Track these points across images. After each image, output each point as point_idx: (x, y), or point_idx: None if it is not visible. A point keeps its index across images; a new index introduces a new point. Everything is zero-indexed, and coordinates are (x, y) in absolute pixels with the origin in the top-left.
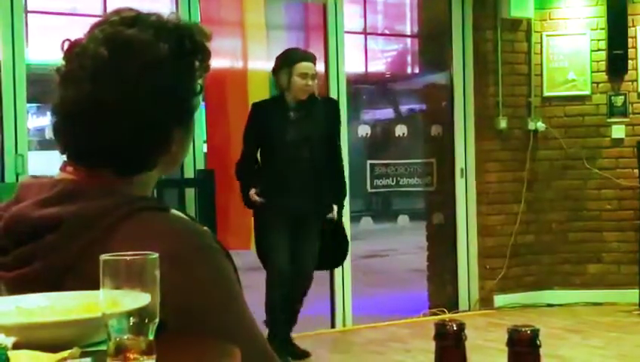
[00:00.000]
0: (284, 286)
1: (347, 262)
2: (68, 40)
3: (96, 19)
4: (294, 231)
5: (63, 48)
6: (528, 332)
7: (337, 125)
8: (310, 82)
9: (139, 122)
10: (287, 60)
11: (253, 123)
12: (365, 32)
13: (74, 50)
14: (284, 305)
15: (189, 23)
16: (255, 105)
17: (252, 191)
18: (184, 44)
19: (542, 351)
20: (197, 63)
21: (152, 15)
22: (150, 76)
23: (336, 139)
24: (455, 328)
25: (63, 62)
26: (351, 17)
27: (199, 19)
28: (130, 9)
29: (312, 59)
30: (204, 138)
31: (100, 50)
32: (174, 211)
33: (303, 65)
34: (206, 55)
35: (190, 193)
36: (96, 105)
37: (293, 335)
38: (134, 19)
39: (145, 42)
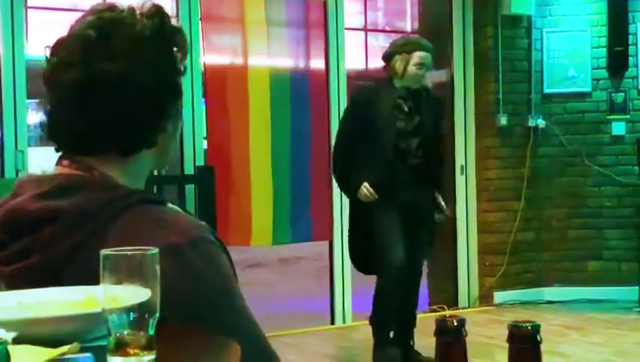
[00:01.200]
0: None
1: (347, 259)
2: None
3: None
4: (406, 225)
5: (46, 50)
6: (529, 328)
7: (441, 123)
8: (425, 73)
9: (135, 97)
10: (406, 47)
11: (356, 109)
12: (366, 29)
13: (60, 43)
14: (401, 307)
15: (163, 8)
16: (359, 87)
17: (365, 186)
18: (164, 24)
19: (542, 347)
20: (175, 47)
21: (128, 5)
22: (139, 50)
23: (441, 130)
24: (456, 324)
25: (49, 59)
26: (351, 14)
27: (199, 16)
28: (107, 2)
29: (431, 50)
30: (204, 134)
31: (87, 32)
32: (171, 205)
33: (422, 55)
34: (183, 38)
35: (190, 189)
36: (92, 84)
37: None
38: (113, 6)
39: (128, 20)
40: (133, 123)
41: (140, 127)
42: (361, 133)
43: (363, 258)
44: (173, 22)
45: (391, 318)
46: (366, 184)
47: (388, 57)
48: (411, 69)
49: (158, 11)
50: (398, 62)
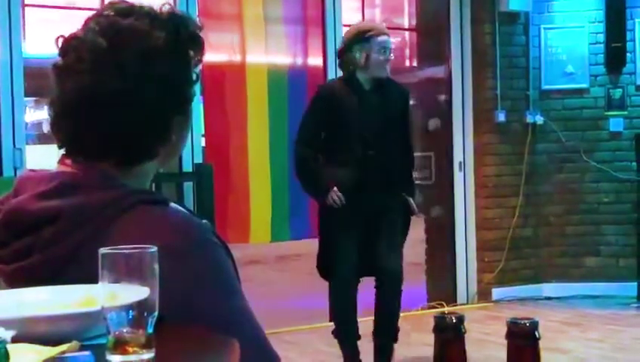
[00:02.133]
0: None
1: None
2: (62, 36)
3: (92, 13)
4: (368, 230)
5: (57, 44)
6: (527, 324)
7: (409, 114)
8: (389, 57)
9: (139, 111)
10: (361, 35)
11: (318, 108)
12: None
13: (70, 44)
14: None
15: (181, 13)
16: (322, 87)
17: (333, 190)
18: (180, 33)
19: (540, 343)
20: (192, 53)
21: (145, 6)
22: (149, 64)
23: (409, 127)
24: (454, 320)
25: (59, 57)
26: (349, 10)
27: (197, 13)
28: (124, 1)
29: (388, 33)
30: (202, 132)
31: (99, 41)
32: (173, 204)
33: (382, 39)
34: (200, 45)
35: (188, 187)
36: (97, 96)
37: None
38: (129, 9)
39: (142, 31)
40: (136, 136)
41: (142, 139)
42: (324, 128)
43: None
44: (192, 24)
45: (351, 328)
46: (335, 189)
47: (346, 50)
48: (374, 56)
49: (174, 19)
50: (357, 53)
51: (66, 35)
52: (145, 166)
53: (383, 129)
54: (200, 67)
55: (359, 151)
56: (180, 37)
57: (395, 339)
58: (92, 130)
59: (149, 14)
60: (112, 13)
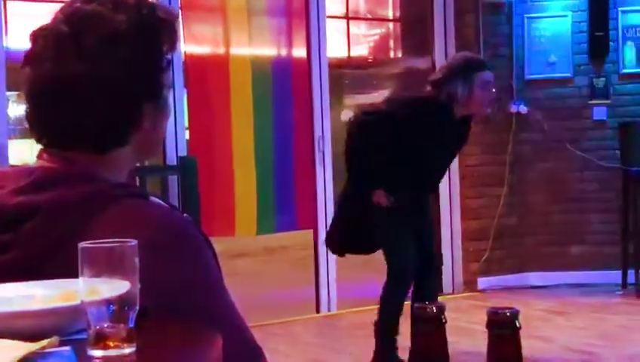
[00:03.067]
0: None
1: None
2: (34, 30)
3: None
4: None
5: (29, 37)
6: (507, 314)
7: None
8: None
9: (104, 96)
10: (468, 69)
11: (407, 123)
12: (347, 17)
13: (37, 35)
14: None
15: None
16: (422, 102)
17: (381, 193)
18: (144, 17)
19: (525, 332)
20: (160, 38)
21: None
22: (112, 48)
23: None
24: (434, 311)
25: (29, 49)
26: (333, 2)
27: (179, 5)
28: None
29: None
30: (186, 124)
31: (61, 28)
32: (154, 198)
33: (488, 76)
34: (171, 30)
35: (173, 180)
36: (59, 83)
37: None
38: None
39: (104, 15)
40: (101, 123)
41: (108, 126)
42: (396, 148)
43: (343, 242)
44: (161, 10)
45: (396, 323)
46: (382, 192)
47: (445, 81)
48: (478, 92)
49: (137, 4)
50: (460, 88)
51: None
52: (118, 154)
53: (450, 159)
54: (172, 54)
55: (420, 177)
56: (145, 21)
57: None
58: (59, 117)
59: (114, 0)
60: (78, 3)
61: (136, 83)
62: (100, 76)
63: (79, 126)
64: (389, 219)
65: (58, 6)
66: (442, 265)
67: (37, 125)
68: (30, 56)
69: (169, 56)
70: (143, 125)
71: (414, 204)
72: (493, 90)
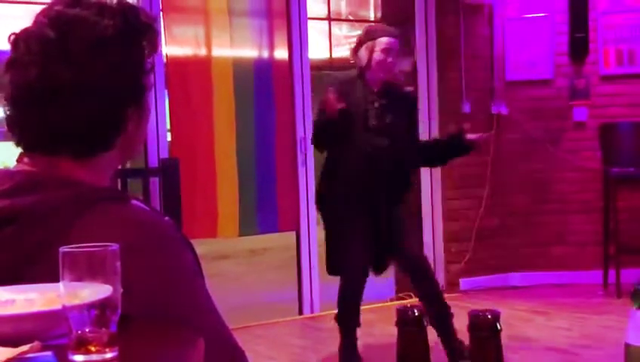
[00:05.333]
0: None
1: (314, 248)
2: (14, 33)
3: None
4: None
5: (9, 40)
6: (488, 316)
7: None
8: (393, 59)
9: (91, 101)
10: (369, 34)
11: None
12: (329, 18)
13: (20, 38)
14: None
15: (130, 3)
16: (336, 78)
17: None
18: (129, 21)
19: (506, 332)
20: (144, 42)
21: None
22: (98, 54)
23: (415, 132)
24: (416, 314)
25: (10, 52)
26: (314, 3)
27: (160, 7)
28: None
29: (396, 35)
30: (168, 126)
31: (46, 32)
32: (135, 201)
33: (386, 41)
34: (152, 34)
35: (154, 182)
36: (47, 88)
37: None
38: (77, 0)
39: (90, 20)
40: (87, 128)
41: (94, 131)
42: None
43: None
44: (143, 13)
45: (354, 316)
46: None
47: (353, 52)
48: (377, 55)
49: (122, 9)
50: (362, 52)
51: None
52: (102, 159)
53: (385, 134)
54: (154, 57)
55: (361, 155)
56: (130, 25)
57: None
58: (43, 122)
59: (97, 4)
60: (60, 7)
61: (121, 88)
62: (86, 81)
63: (65, 131)
64: (344, 216)
65: (36, 8)
66: (429, 266)
67: (19, 129)
68: (13, 61)
69: (151, 60)
70: (127, 129)
71: (371, 194)
72: (393, 56)
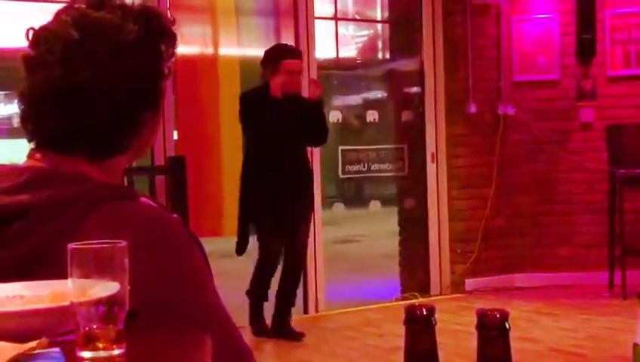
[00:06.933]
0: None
1: (320, 248)
2: (32, 28)
3: (62, 6)
4: (286, 221)
5: (27, 36)
6: (497, 315)
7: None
8: (296, 79)
9: (111, 104)
10: (272, 56)
11: (246, 110)
12: (336, 18)
13: (41, 35)
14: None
15: (153, 7)
16: (241, 97)
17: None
18: (151, 26)
19: (512, 333)
20: (163, 47)
21: None
22: (121, 57)
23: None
24: (425, 312)
25: (30, 49)
26: (321, 3)
27: (168, 5)
28: None
29: (299, 55)
30: (175, 125)
31: (70, 33)
32: (144, 199)
33: (290, 63)
34: (172, 39)
35: (161, 180)
36: (68, 89)
37: (267, 321)
38: (101, 2)
39: (114, 23)
40: (105, 131)
41: (113, 133)
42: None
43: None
44: (164, 18)
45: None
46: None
47: (261, 65)
48: (281, 77)
49: (145, 13)
50: (268, 72)
51: (37, 27)
52: (114, 161)
53: (292, 139)
54: (172, 61)
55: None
56: (152, 30)
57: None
58: (62, 122)
59: (121, 7)
60: (84, 6)
61: (141, 92)
62: (108, 84)
63: (82, 132)
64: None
65: (45, 5)
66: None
67: (35, 126)
68: (33, 59)
69: (169, 64)
70: (142, 132)
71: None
72: (297, 76)
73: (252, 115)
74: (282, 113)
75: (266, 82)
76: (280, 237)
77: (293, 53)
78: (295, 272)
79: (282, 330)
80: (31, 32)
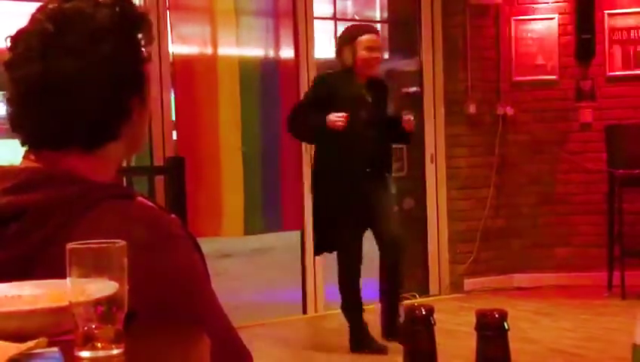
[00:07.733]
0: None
1: None
2: (9, 35)
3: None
4: (366, 215)
5: (7, 42)
6: (496, 316)
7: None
8: (377, 55)
9: (95, 91)
10: (348, 35)
11: (316, 98)
12: (335, 18)
13: (19, 37)
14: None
15: None
16: (321, 77)
17: (333, 115)
18: (123, 11)
19: (511, 334)
20: (138, 31)
21: None
22: (98, 43)
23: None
24: (424, 312)
25: (10, 53)
26: (320, 3)
27: (167, 5)
28: None
29: (376, 31)
30: (174, 125)
31: (46, 27)
32: (141, 198)
33: (367, 38)
34: (147, 24)
35: (160, 180)
36: (51, 81)
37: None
38: None
39: (87, 13)
40: (94, 118)
41: (101, 121)
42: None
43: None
44: (136, 7)
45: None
46: (333, 115)
47: (337, 54)
48: (361, 54)
49: (116, 0)
50: (346, 53)
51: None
52: (109, 149)
53: (374, 126)
54: (150, 47)
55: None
56: (125, 15)
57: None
58: (51, 116)
59: None
60: (55, 3)
61: (122, 76)
62: (89, 71)
63: (71, 123)
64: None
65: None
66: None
67: (25, 127)
68: (13, 60)
69: (148, 49)
70: (132, 117)
71: (361, 189)
72: (376, 52)
73: (332, 102)
74: (368, 113)
75: (347, 67)
76: (359, 235)
77: (369, 29)
78: (396, 256)
79: (393, 331)
80: (9, 38)
